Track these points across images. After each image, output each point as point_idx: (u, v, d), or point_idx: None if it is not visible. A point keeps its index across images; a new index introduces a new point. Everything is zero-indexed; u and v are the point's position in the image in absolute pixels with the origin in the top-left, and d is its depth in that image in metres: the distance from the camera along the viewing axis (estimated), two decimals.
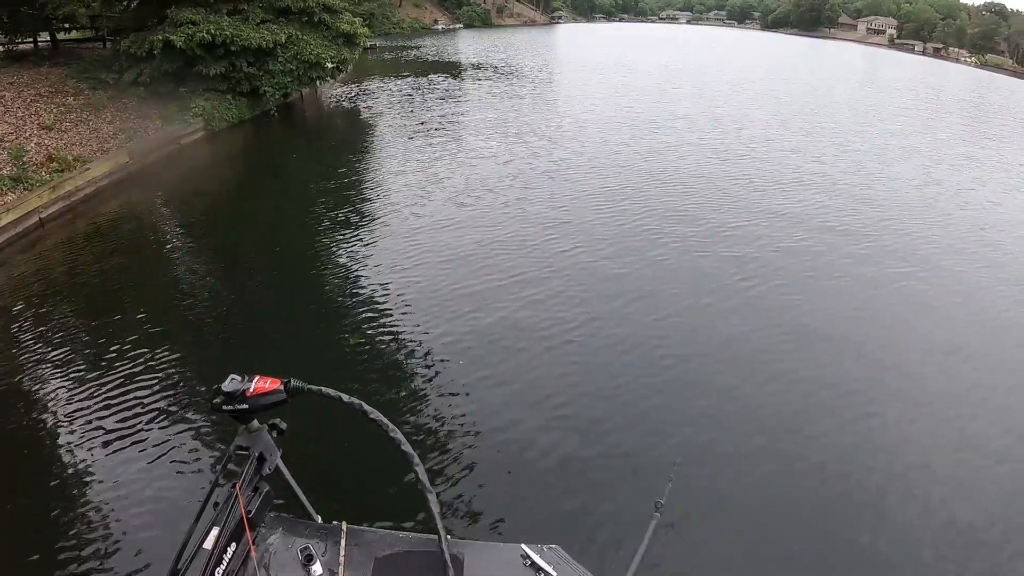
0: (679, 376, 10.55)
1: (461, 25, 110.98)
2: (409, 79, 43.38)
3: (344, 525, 2.13)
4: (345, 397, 2.02)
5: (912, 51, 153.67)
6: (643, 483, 7.94)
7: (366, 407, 2.00)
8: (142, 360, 10.27)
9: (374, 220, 17.00)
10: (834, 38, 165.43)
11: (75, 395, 9.40)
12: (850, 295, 13.89)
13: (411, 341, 11.14)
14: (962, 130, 40.34)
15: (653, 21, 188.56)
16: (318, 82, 31.23)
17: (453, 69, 50.49)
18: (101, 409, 9.04)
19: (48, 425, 8.80)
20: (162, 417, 8.89)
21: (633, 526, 7.20)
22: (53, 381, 9.78)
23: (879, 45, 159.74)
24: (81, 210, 17.26)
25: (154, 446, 8.30)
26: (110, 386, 9.56)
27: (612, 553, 6.89)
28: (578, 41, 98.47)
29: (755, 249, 15.86)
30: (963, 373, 11.33)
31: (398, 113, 31.71)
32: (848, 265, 15.44)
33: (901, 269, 15.45)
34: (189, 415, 8.93)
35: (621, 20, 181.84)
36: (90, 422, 8.76)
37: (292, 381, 2.00)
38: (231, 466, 1.99)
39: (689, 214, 18.11)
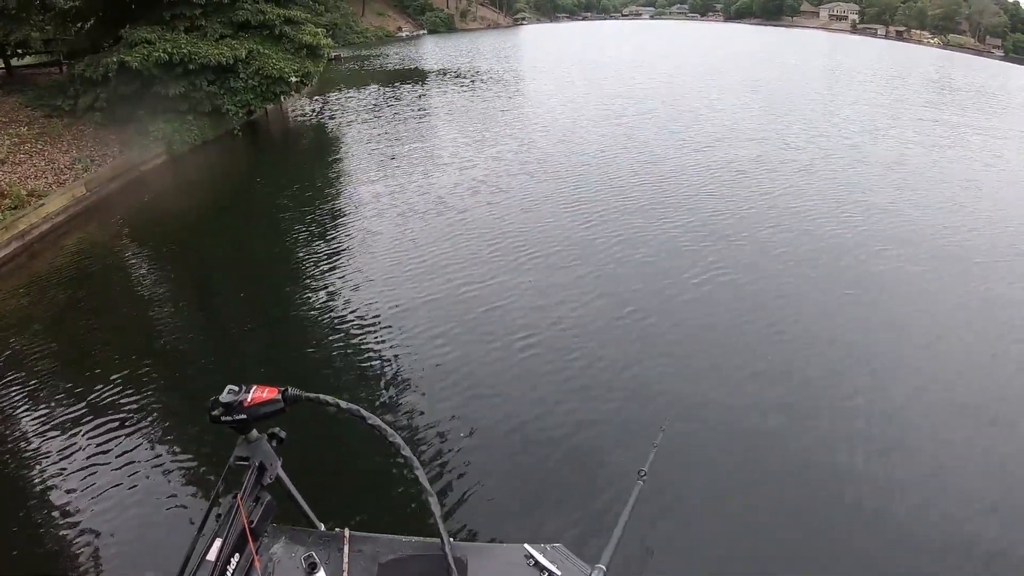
0: (668, 367, 10.67)
1: (425, 31, 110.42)
2: (375, 89, 42.69)
3: (347, 532, 2.08)
4: (343, 403, 2.04)
5: (875, 35, 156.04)
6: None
7: (364, 413, 2.03)
8: (131, 384, 10.19)
9: (347, 236, 16.68)
10: (797, 26, 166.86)
11: (67, 423, 9.30)
12: (833, 277, 14.20)
13: (398, 349, 11.12)
14: (933, 110, 40.49)
15: (616, 18, 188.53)
16: (282, 97, 30.06)
17: (419, 77, 49.90)
18: (96, 432, 9.02)
19: (44, 450, 8.74)
20: (159, 433, 9.01)
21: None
22: (43, 412, 9.62)
23: (842, 31, 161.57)
24: (37, 249, 16.42)
25: (153, 461, 8.40)
26: (102, 411, 9.52)
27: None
28: (543, 41, 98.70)
29: (734, 236, 16.31)
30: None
31: (365, 125, 31.07)
32: (829, 249, 15.73)
33: (882, 250, 15.74)
34: (186, 429, 9.04)
35: (584, 19, 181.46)
36: (86, 445, 8.79)
37: (289, 389, 1.99)
38: (232, 477, 1.99)
39: (665, 206, 18.49)
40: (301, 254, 15.54)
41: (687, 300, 12.89)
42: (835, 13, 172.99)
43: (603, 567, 1.75)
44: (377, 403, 9.59)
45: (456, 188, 19.87)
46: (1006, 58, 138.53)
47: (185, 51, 23.42)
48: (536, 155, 23.94)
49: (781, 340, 11.56)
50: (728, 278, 13.83)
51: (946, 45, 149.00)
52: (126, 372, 10.47)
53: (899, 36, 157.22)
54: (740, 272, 14.18)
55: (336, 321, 12.13)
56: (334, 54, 45.17)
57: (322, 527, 2.30)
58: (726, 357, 10.97)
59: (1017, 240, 16.87)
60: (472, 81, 46.67)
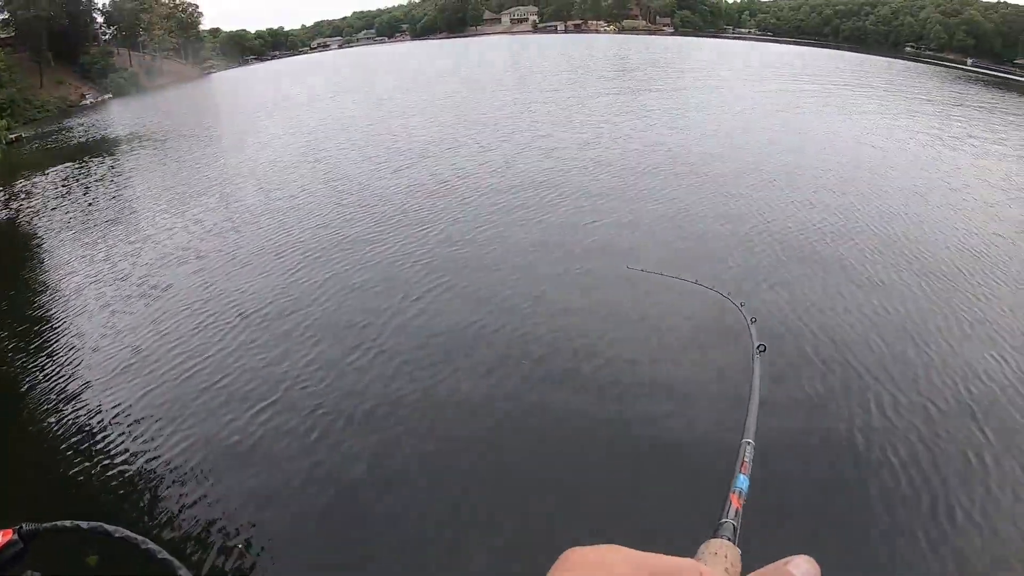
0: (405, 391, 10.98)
1: (111, 95, 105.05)
2: (64, 169, 39.25)
3: None
4: (84, 524, 1.84)
5: (556, 31, 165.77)
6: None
7: (108, 527, 1.83)
8: None
9: (54, 342, 15.19)
10: (482, 34, 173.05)
11: None
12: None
13: (133, 450, 10.56)
14: (612, 83, 43.84)
15: (306, 52, 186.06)
16: None
17: (108, 146, 47.22)
18: None
19: None
20: None
21: None
22: None
23: (525, 32, 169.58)
24: None
25: None
26: None
27: None
28: (234, 88, 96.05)
29: (442, 249, 17.27)
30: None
31: (57, 212, 28.53)
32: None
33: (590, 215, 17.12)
34: None
35: (274, 57, 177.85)
36: None
37: (25, 526, 1.78)
38: None
39: (373, 233, 19.13)
40: (7, 376, 14.04)
41: (411, 318, 13.69)
42: (516, 17, 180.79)
43: (751, 440, 1.76)
44: (127, 512, 9.16)
45: (160, 262, 19.14)
46: (675, 33, 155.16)
47: None
48: (238, 208, 23.86)
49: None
50: (449, 293, 14.73)
51: (621, 30, 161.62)
52: None
53: (577, 29, 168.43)
54: (458, 282, 15.22)
55: (61, 435, 11.31)
56: (13, 136, 42.90)
57: None
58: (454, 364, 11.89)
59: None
60: (163, 141, 45.14)
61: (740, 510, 1.30)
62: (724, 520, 1.22)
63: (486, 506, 8.68)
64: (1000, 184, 24.04)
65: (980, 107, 48.45)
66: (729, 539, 1.14)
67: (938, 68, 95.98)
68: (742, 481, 1.46)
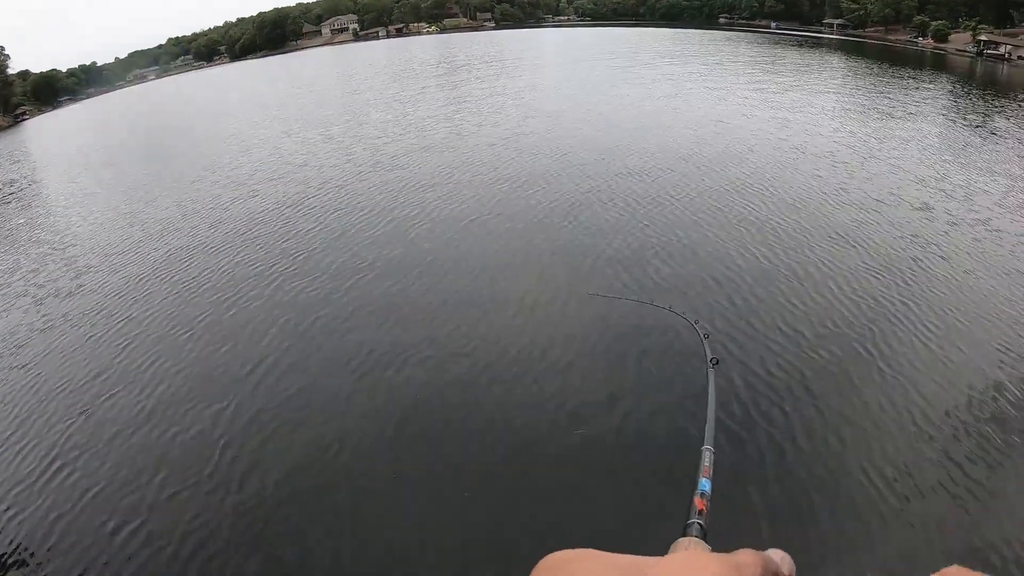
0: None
1: None
2: None
3: None
4: None
5: (378, 37, 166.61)
6: None
7: None
8: None
9: None
10: (303, 47, 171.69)
11: None
12: None
13: None
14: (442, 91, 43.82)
15: (122, 87, 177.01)
16: None
17: None
18: None
19: None
20: None
21: None
22: None
23: (347, 42, 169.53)
24: None
25: None
26: None
27: None
28: (56, 135, 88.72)
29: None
30: None
31: None
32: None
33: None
34: None
35: (89, 96, 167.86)
36: None
37: None
38: None
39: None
40: None
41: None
42: (336, 27, 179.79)
43: (711, 448, 1.78)
44: None
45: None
46: (496, 27, 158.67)
47: None
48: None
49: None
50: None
51: (443, 30, 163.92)
52: None
53: (399, 33, 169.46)
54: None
55: None
56: None
57: None
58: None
59: None
60: None
61: (705, 511, 1.43)
62: (691, 521, 1.37)
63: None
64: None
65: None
66: (696, 537, 1.28)
67: (754, 35, 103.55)
68: (704, 484, 1.56)
